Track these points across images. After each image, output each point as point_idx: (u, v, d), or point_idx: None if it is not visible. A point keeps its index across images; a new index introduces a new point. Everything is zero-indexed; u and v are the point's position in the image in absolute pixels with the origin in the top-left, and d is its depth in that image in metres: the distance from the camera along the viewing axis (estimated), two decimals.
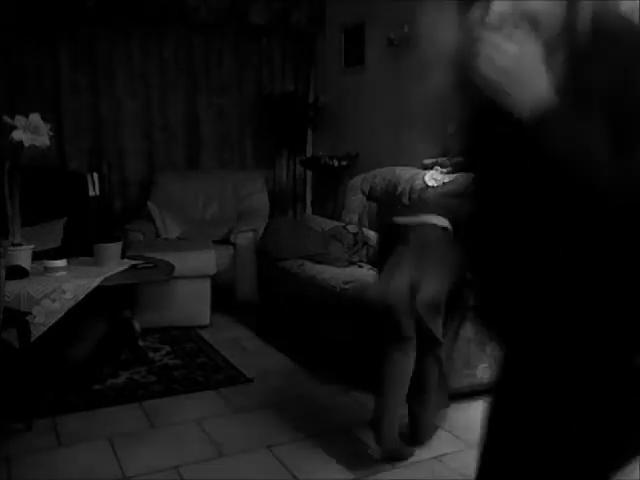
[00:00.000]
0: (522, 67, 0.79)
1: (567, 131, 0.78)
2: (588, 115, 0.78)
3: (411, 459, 2.35)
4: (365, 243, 3.72)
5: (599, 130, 0.77)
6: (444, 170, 3.15)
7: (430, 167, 3.34)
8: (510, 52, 0.78)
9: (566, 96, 0.78)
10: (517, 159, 0.86)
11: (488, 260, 0.94)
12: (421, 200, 3.09)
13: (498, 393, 0.98)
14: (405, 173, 3.70)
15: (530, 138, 0.80)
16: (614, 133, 0.76)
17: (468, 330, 2.66)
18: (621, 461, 0.84)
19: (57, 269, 2.83)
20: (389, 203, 3.75)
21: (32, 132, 2.72)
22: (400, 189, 3.64)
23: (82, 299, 2.72)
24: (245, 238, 4.35)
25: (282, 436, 2.54)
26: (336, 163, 4.72)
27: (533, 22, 0.80)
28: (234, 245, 4.35)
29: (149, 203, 4.67)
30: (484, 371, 2.70)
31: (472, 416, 2.36)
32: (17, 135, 2.69)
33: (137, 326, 3.42)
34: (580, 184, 0.78)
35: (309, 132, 5.57)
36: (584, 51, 0.82)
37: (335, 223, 4.08)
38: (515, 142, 0.84)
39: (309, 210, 5.59)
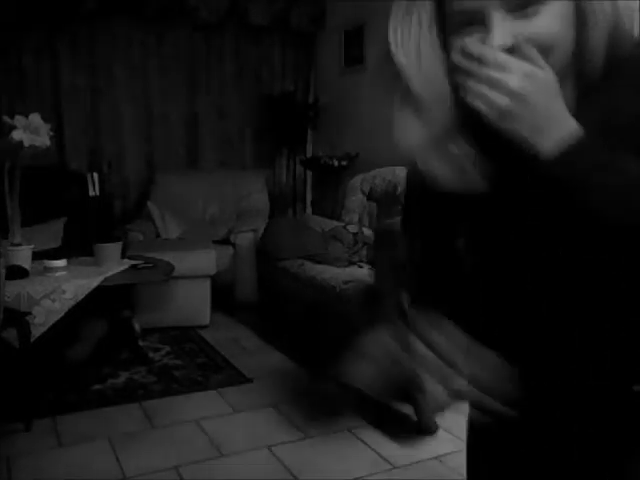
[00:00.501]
0: (539, 94, 0.66)
1: (600, 171, 0.67)
2: (616, 151, 0.68)
3: (411, 459, 2.36)
4: (365, 243, 3.72)
5: (633, 166, 0.67)
6: None
7: None
8: (522, 72, 0.66)
9: (588, 132, 0.68)
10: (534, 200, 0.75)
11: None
12: None
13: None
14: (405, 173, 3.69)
15: (551, 180, 0.69)
16: None
17: None
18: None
19: (57, 269, 2.83)
20: (389, 204, 3.75)
21: (32, 132, 2.72)
22: (400, 189, 3.64)
23: (82, 299, 2.73)
24: (245, 238, 4.35)
25: (282, 436, 2.54)
26: (336, 163, 4.72)
27: (544, 49, 0.68)
28: (234, 245, 4.35)
29: (149, 203, 4.67)
30: None
31: None
32: (17, 135, 2.69)
33: (137, 326, 3.42)
34: (617, 224, 0.68)
35: (309, 132, 5.58)
36: (597, 82, 0.73)
37: (335, 223, 4.08)
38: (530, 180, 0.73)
39: (309, 210, 5.59)
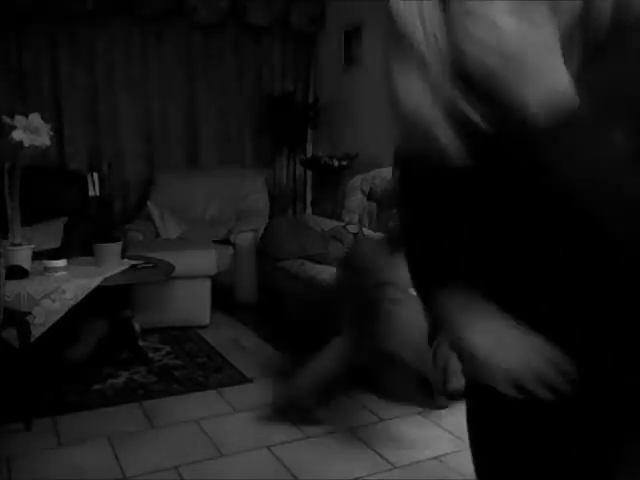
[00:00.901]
0: (532, 52, 0.63)
1: (589, 143, 0.64)
2: (610, 124, 0.64)
3: (411, 459, 2.36)
4: None
5: (624, 145, 0.64)
6: None
7: None
8: (516, 31, 0.62)
9: (584, 99, 0.64)
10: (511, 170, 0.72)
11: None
12: None
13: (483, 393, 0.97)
14: None
15: (535, 144, 0.65)
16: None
17: None
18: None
19: (57, 269, 2.83)
20: (389, 204, 3.75)
21: (32, 132, 2.72)
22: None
23: (82, 299, 2.73)
24: (245, 238, 4.35)
25: (282, 436, 2.54)
26: (336, 163, 4.73)
27: (551, 3, 0.65)
28: (234, 245, 4.35)
29: (149, 203, 4.67)
30: None
31: None
32: (17, 135, 2.69)
33: (137, 326, 3.42)
34: (596, 215, 0.66)
35: (309, 132, 5.58)
36: (603, 48, 0.70)
37: (335, 223, 4.08)
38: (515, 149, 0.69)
39: (309, 210, 5.59)
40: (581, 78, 0.66)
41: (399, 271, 2.21)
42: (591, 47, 0.71)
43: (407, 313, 2.49)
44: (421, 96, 0.70)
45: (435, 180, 0.82)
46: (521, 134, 0.66)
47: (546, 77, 0.64)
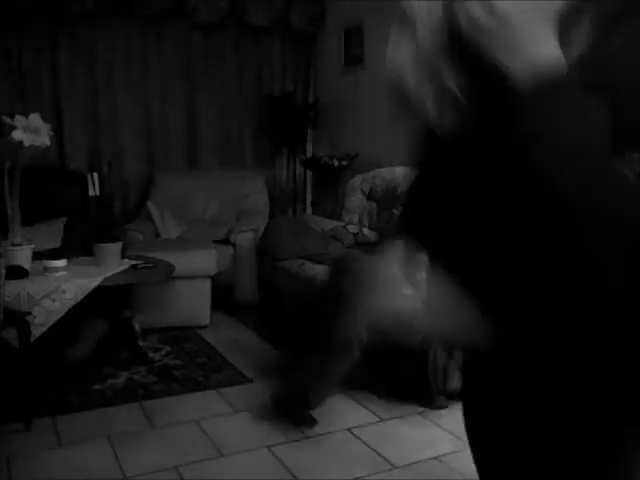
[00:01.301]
0: (525, 15, 0.63)
1: (571, 113, 0.62)
2: (601, 97, 0.63)
3: (411, 459, 2.36)
4: (365, 243, 3.72)
5: (603, 123, 0.62)
6: None
7: None
8: (505, 9, 0.62)
9: (584, 70, 0.63)
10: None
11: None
12: None
13: (482, 392, 0.96)
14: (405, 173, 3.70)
15: (518, 113, 0.63)
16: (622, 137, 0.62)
17: None
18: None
19: (57, 269, 2.83)
20: (389, 204, 3.76)
21: (32, 132, 2.72)
22: (400, 190, 3.64)
23: (82, 299, 2.73)
24: (245, 238, 4.35)
25: (282, 436, 2.54)
26: (336, 163, 4.72)
27: None
28: (234, 245, 4.35)
29: (149, 203, 4.67)
30: None
31: None
32: (17, 135, 2.69)
33: (137, 326, 3.42)
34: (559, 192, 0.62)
35: (309, 132, 5.58)
36: (617, 15, 0.68)
37: (335, 223, 4.08)
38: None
39: (309, 210, 5.59)
40: (594, 45, 0.65)
41: (387, 270, 2.22)
42: (605, 15, 0.69)
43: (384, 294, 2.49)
44: (407, 58, 0.71)
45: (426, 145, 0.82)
46: (505, 102, 0.65)
47: (535, 46, 0.63)
